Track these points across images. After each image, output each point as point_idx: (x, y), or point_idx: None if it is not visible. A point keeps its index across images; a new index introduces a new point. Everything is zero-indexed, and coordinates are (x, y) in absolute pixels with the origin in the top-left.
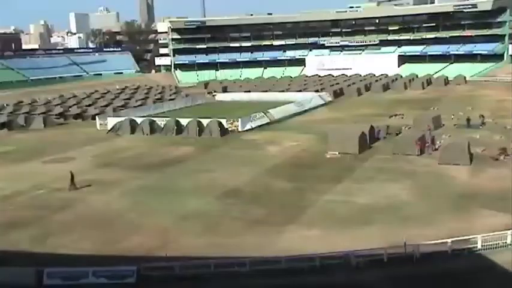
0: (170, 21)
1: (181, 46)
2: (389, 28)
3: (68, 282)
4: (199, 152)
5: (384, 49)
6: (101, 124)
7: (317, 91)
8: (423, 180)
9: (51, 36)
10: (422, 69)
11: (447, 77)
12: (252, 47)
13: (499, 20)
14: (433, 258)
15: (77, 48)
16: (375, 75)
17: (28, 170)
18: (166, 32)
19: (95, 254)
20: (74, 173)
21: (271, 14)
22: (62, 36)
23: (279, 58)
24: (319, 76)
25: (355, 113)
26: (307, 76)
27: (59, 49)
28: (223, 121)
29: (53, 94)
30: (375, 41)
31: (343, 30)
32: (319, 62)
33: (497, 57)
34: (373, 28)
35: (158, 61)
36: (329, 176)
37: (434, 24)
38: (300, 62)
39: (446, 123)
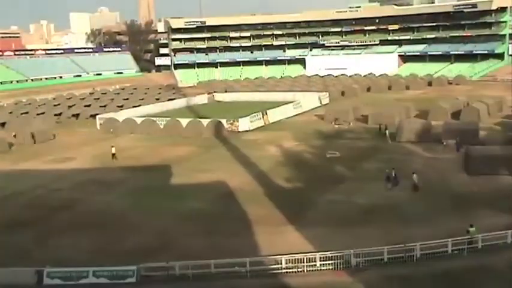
0: (170, 21)
1: (181, 46)
2: (390, 28)
3: (68, 282)
4: (199, 152)
5: (384, 49)
6: (100, 124)
7: (317, 91)
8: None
9: (52, 36)
10: (423, 69)
11: (447, 77)
12: (252, 46)
13: (499, 20)
14: (433, 257)
15: (77, 48)
16: (375, 75)
17: (28, 170)
18: (166, 32)
19: (95, 254)
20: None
21: (271, 13)
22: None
23: (279, 58)
24: (319, 76)
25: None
26: (307, 76)
27: (59, 49)
28: (223, 121)
29: (53, 94)
30: (375, 41)
31: (343, 30)
32: (319, 62)
33: (497, 57)
34: (373, 28)
35: (158, 61)
36: (329, 176)
37: (434, 24)
38: (300, 61)
39: None
